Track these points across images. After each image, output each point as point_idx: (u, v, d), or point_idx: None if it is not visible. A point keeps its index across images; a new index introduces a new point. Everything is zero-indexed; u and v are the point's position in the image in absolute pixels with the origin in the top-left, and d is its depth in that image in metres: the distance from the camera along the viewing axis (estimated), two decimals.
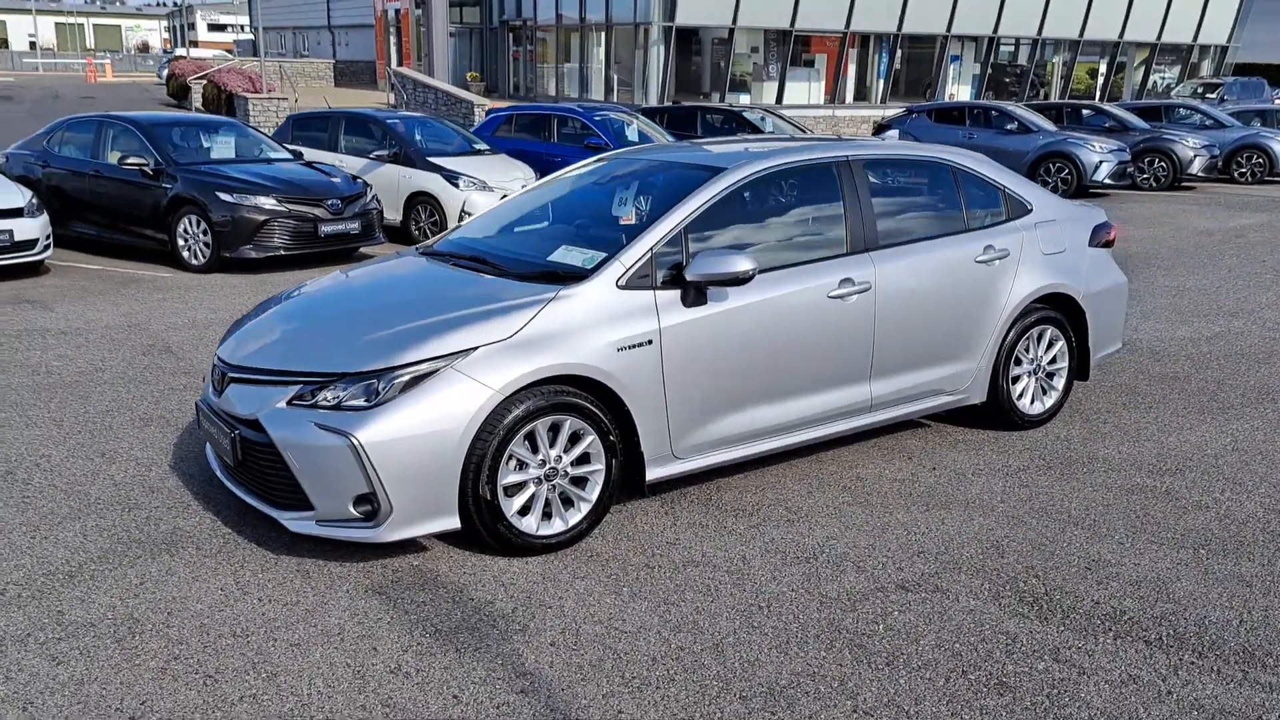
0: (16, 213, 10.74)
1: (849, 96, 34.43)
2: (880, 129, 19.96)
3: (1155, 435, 6.01)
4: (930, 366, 5.54)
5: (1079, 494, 5.13)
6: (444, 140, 14.14)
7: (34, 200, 11.11)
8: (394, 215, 13.30)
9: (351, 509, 4.10)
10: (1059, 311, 6.03)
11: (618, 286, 4.55)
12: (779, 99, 30.86)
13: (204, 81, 31.72)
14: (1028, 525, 4.77)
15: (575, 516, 4.51)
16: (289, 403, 4.20)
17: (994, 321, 5.69)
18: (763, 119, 17.21)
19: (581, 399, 4.39)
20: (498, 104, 22.74)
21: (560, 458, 4.42)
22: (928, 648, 3.74)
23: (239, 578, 4.21)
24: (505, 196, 12.33)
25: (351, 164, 13.59)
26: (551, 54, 32.94)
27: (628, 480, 4.72)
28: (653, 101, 27.72)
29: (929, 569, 4.34)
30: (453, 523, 4.20)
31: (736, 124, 16.55)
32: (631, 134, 15.43)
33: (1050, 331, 6.01)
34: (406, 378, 4.11)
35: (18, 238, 10.66)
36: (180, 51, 53.63)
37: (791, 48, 30.86)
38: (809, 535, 4.66)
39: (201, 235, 11.14)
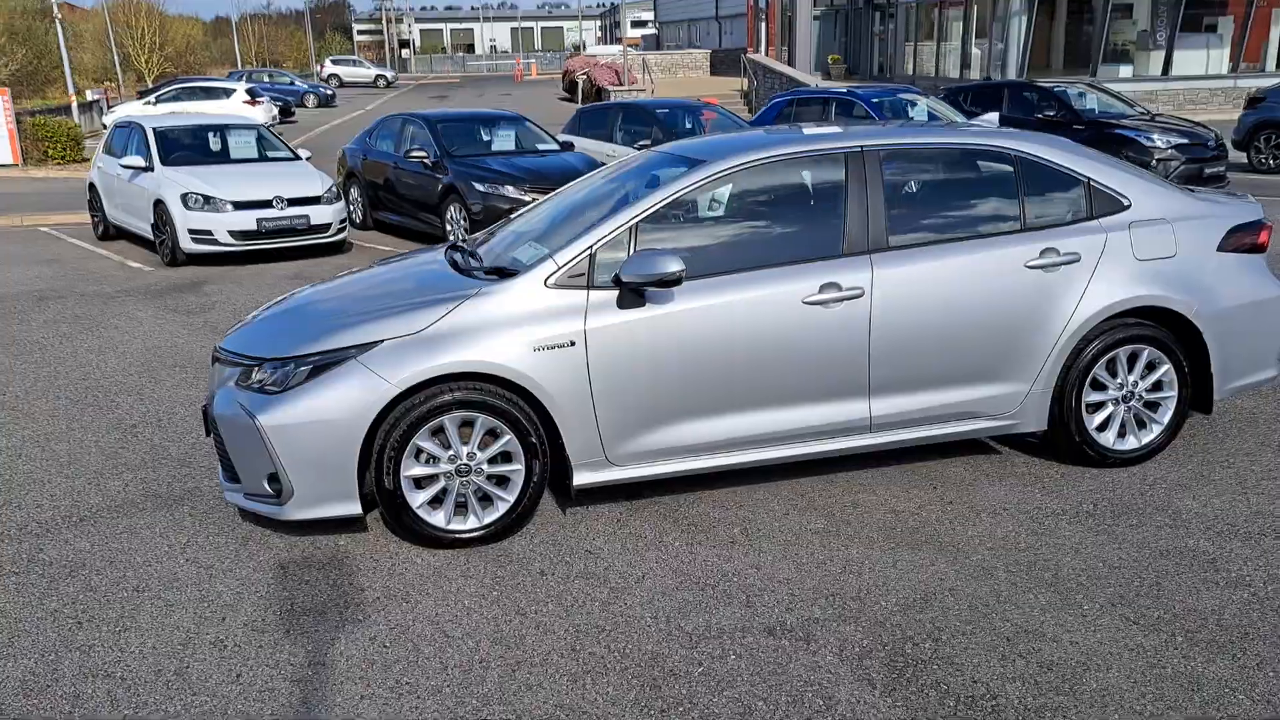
0: (315, 200, 12.26)
1: (1272, 63, 29.87)
2: (1254, 102, 17.24)
3: (1253, 489, 4.85)
4: (958, 386, 4.86)
5: (1093, 551, 4.30)
6: (698, 127, 14.17)
7: (333, 188, 12.62)
8: None
9: (266, 486, 4.39)
10: (1164, 329, 5.03)
11: (546, 286, 4.46)
12: (1165, 70, 27.49)
13: (584, 77, 33.94)
14: (987, 580, 4.10)
15: (492, 515, 4.50)
16: (235, 383, 4.57)
17: (1054, 337, 4.87)
18: (1081, 95, 15.50)
19: (497, 397, 4.37)
20: (832, 85, 22.32)
21: (474, 455, 4.43)
22: (724, 700, 3.38)
23: (188, 539, 4.66)
24: None
25: (623, 153, 14.03)
26: (911, 31, 31.67)
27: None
28: (1011, 76, 25.79)
29: (820, 615, 3.88)
30: (354, 509, 4.37)
31: (1054, 103, 15.03)
32: (918, 114, 14.62)
33: (1149, 353, 5.03)
34: (310, 366, 4.32)
35: (313, 221, 12.17)
36: (596, 49, 57.55)
37: (1183, 9, 27.26)
38: (734, 562, 4.32)
39: (463, 221, 12.06)
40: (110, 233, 13.82)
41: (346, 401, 4.24)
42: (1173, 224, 5.04)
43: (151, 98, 30.36)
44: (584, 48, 61.95)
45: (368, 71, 57.25)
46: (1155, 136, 13.77)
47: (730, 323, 4.53)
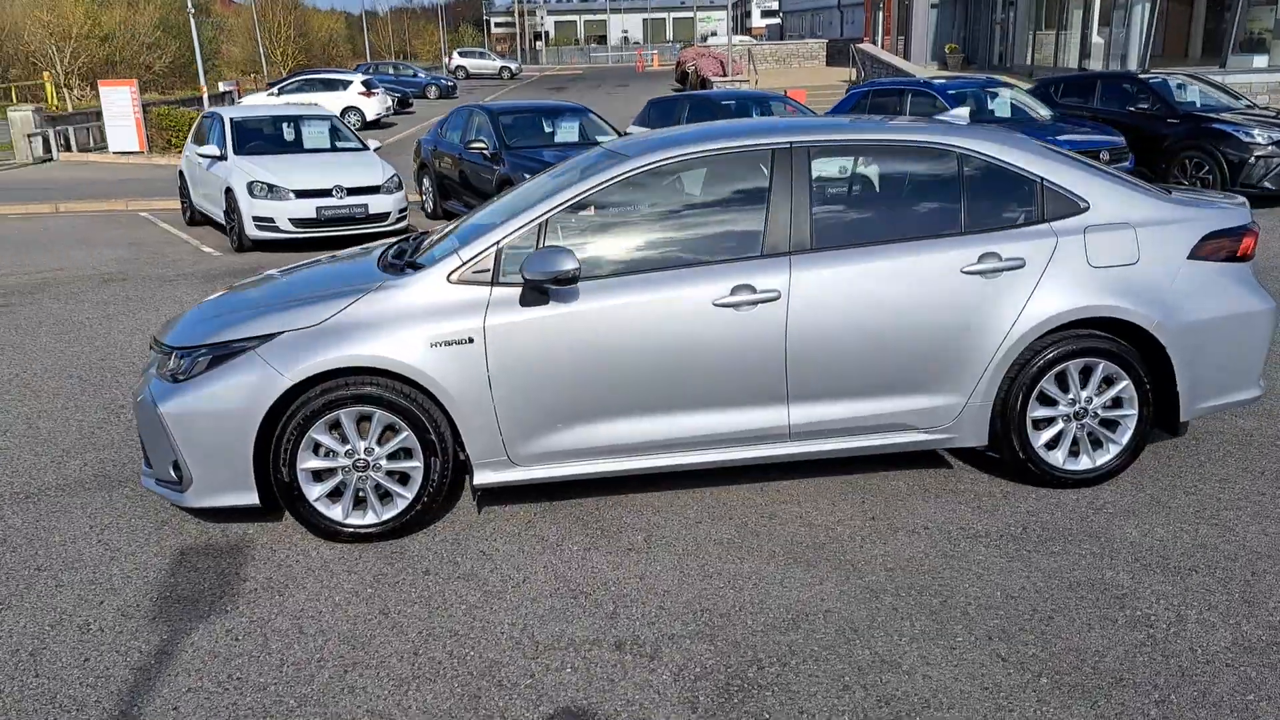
0: (374, 189, 12.52)
1: None
2: None
3: (1209, 519, 4.45)
4: (886, 396, 4.62)
5: (997, 578, 4.02)
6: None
7: (395, 178, 12.86)
8: None
9: (171, 472, 4.48)
10: (1123, 342, 4.67)
11: (449, 281, 4.42)
12: None
13: (691, 68, 33.79)
14: (870, 603, 3.88)
15: (390, 511, 4.49)
16: (156, 370, 4.67)
17: (993, 348, 4.58)
18: (1182, 87, 14.58)
19: (394, 393, 4.35)
20: (940, 76, 21.59)
21: (372, 450, 4.42)
22: (536, 715, 3.29)
23: (110, 522, 4.80)
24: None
25: None
26: (1032, 19, 30.38)
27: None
28: (1132, 67, 24.45)
29: (680, 631, 3.73)
30: (251, 499, 4.41)
31: (1148, 95, 14.18)
32: (1000, 107, 14.03)
33: (1104, 367, 4.68)
34: (210, 356, 4.38)
35: (372, 210, 12.43)
36: (718, 40, 57.20)
37: None
38: (622, 570, 4.21)
39: None
40: (196, 218, 14.40)
41: (241, 392, 4.28)
42: (1136, 229, 4.67)
43: (274, 89, 31.52)
44: (710, 38, 61.57)
45: (493, 64, 58.24)
46: (1255, 132, 12.88)
47: (636, 323, 4.40)
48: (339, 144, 13.71)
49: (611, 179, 4.57)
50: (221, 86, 33.89)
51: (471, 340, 4.34)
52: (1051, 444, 4.76)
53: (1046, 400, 4.71)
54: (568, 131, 13.63)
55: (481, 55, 60.75)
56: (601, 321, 4.39)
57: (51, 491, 5.14)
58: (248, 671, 3.55)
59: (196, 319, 4.74)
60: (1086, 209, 4.68)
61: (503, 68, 57.78)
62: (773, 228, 4.54)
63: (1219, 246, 4.74)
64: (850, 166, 4.91)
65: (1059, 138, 12.55)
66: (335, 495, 4.48)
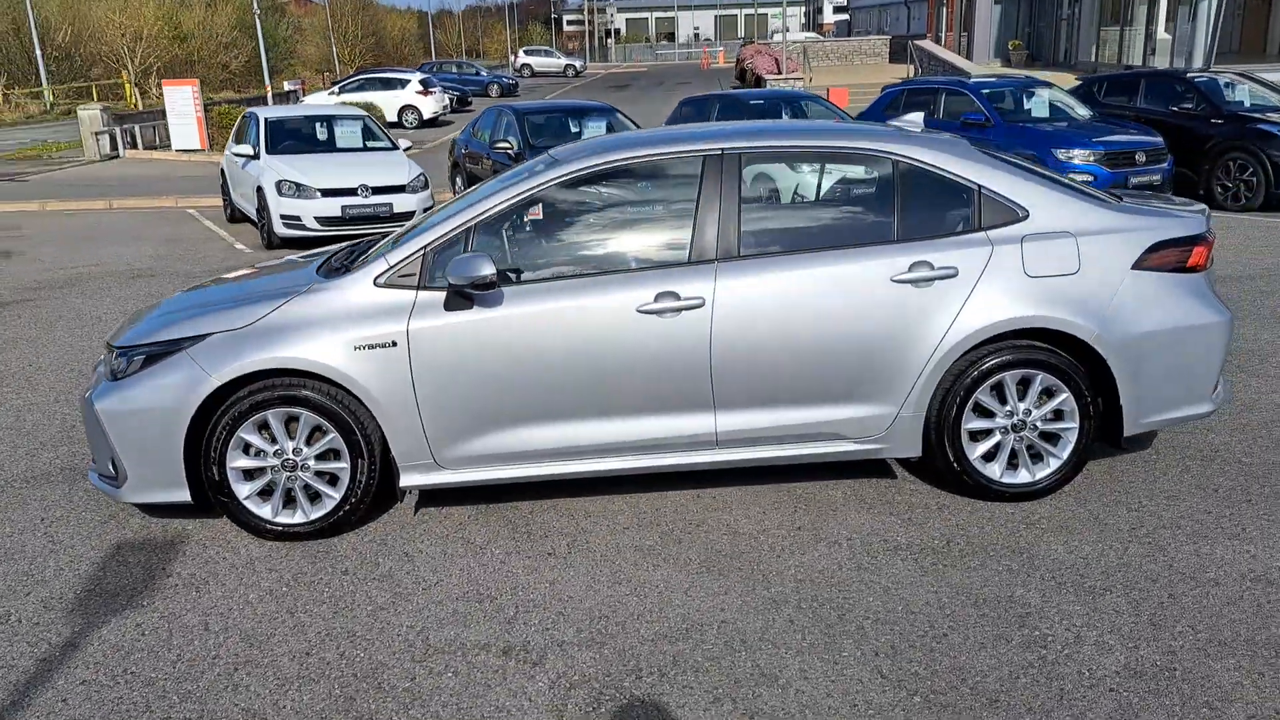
0: (399, 188, 12.70)
1: None
2: None
3: (1142, 538, 4.32)
4: (815, 405, 4.57)
5: (904, 592, 3.96)
6: (804, 119, 13.77)
7: (420, 177, 13.03)
8: None
9: (110, 468, 4.61)
10: (1064, 354, 4.56)
11: (375, 285, 4.48)
12: None
13: (749, 65, 33.63)
14: (768, 615, 3.85)
15: (319, 511, 4.57)
16: (104, 368, 4.81)
17: (924, 358, 4.50)
18: (1230, 86, 14.11)
19: (321, 394, 4.43)
20: (990, 74, 21.18)
21: (300, 450, 4.51)
22: (403, 719, 3.32)
23: (61, 514, 4.96)
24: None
25: None
26: (1098, 15, 29.62)
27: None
28: (1198, 65, 23.72)
29: (572, 639, 3.75)
30: (183, 496, 4.52)
31: (1193, 94, 13.74)
32: (1037, 107, 13.74)
33: (1043, 379, 4.57)
34: (144, 355, 4.50)
35: (396, 209, 12.61)
36: (796, 35, 56.77)
37: None
38: (536, 574, 4.23)
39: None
40: (236, 216, 14.74)
41: (171, 392, 4.39)
42: (1077, 238, 4.55)
43: (335, 88, 32.10)
44: (776, 35, 61.11)
45: (558, 62, 58.58)
46: None
47: (560, 329, 4.42)
48: (370, 144, 13.91)
49: (544, 184, 4.59)
50: (287, 86, 34.59)
51: (394, 344, 4.39)
52: (990, 456, 4.66)
53: (983, 412, 4.62)
54: (594, 131, 13.66)
55: (547, 53, 61.16)
56: (525, 326, 4.41)
57: (17, 483, 5.31)
58: (143, 666, 3.64)
59: (146, 319, 4.87)
60: (1025, 217, 4.57)
61: (567, 65, 58.10)
62: (700, 235, 4.52)
63: (1167, 257, 4.60)
64: (784, 173, 4.86)
65: (1094, 138, 12.27)
66: (267, 494, 4.56)
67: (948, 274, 4.48)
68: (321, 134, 13.96)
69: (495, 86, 43.39)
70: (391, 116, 29.93)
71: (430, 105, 31.08)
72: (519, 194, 4.57)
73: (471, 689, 3.45)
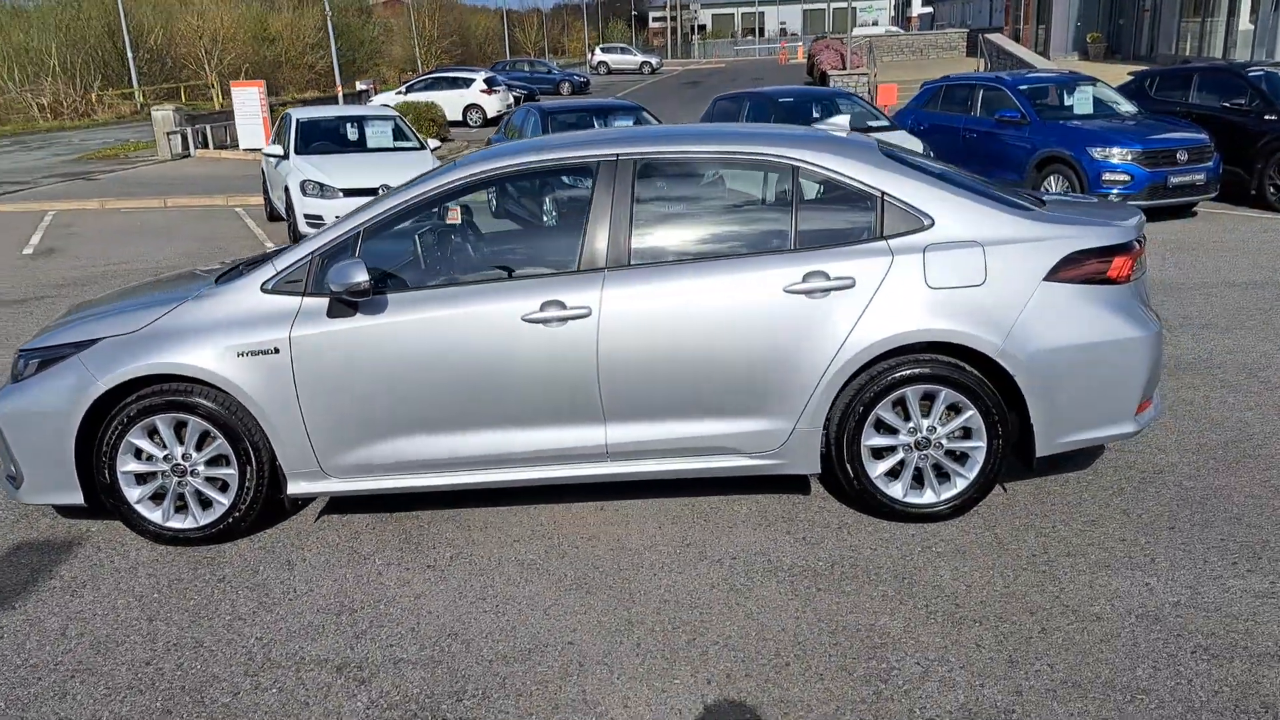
0: None
1: None
2: None
3: (1038, 566, 4.07)
4: (707, 418, 4.42)
5: (762, 618, 3.80)
6: (832, 116, 13.47)
7: None
8: None
9: (12, 469, 4.69)
10: (971, 369, 4.34)
11: (262, 291, 4.47)
12: None
13: (817, 60, 33.17)
14: (611, 638, 3.73)
15: (210, 516, 4.58)
16: None
17: (819, 371, 4.32)
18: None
19: (209, 399, 4.43)
20: (1058, 67, 20.50)
21: (190, 455, 4.52)
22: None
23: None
24: None
25: None
26: (1181, 7, 28.44)
27: None
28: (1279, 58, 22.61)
29: (413, 656, 3.68)
30: (76, 499, 4.57)
31: (1248, 90, 13.06)
32: (1079, 104, 13.23)
33: (947, 395, 4.36)
34: (39, 359, 4.55)
35: None
36: (874, 30, 55.92)
37: None
38: (407, 588, 4.18)
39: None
40: (275, 215, 15.01)
41: (61, 396, 4.43)
42: (985, 247, 4.32)
43: (402, 87, 32.57)
44: (857, 29, 60.15)
45: (634, 59, 58.60)
46: None
47: (444, 337, 4.35)
48: (400, 144, 14.03)
49: (439, 189, 4.52)
50: (359, 85, 35.20)
51: (277, 350, 4.37)
52: (894, 474, 4.46)
53: (887, 428, 4.41)
54: (624, 124, 13.56)
55: (623, 51, 61.25)
56: (409, 334, 4.35)
57: None
58: None
59: (57, 323, 4.93)
60: (930, 226, 4.35)
61: (643, 63, 58.07)
62: (591, 242, 4.40)
63: (1083, 268, 4.33)
64: (683, 180, 4.70)
65: (1133, 136, 11.79)
66: (159, 498, 4.58)
67: (844, 284, 4.28)
68: (352, 134, 14.12)
69: (566, 84, 43.58)
70: (455, 115, 30.22)
71: (494, 104, 31.31)
72: (410, 199, 4.51)
73: (288, 707, 3.40)
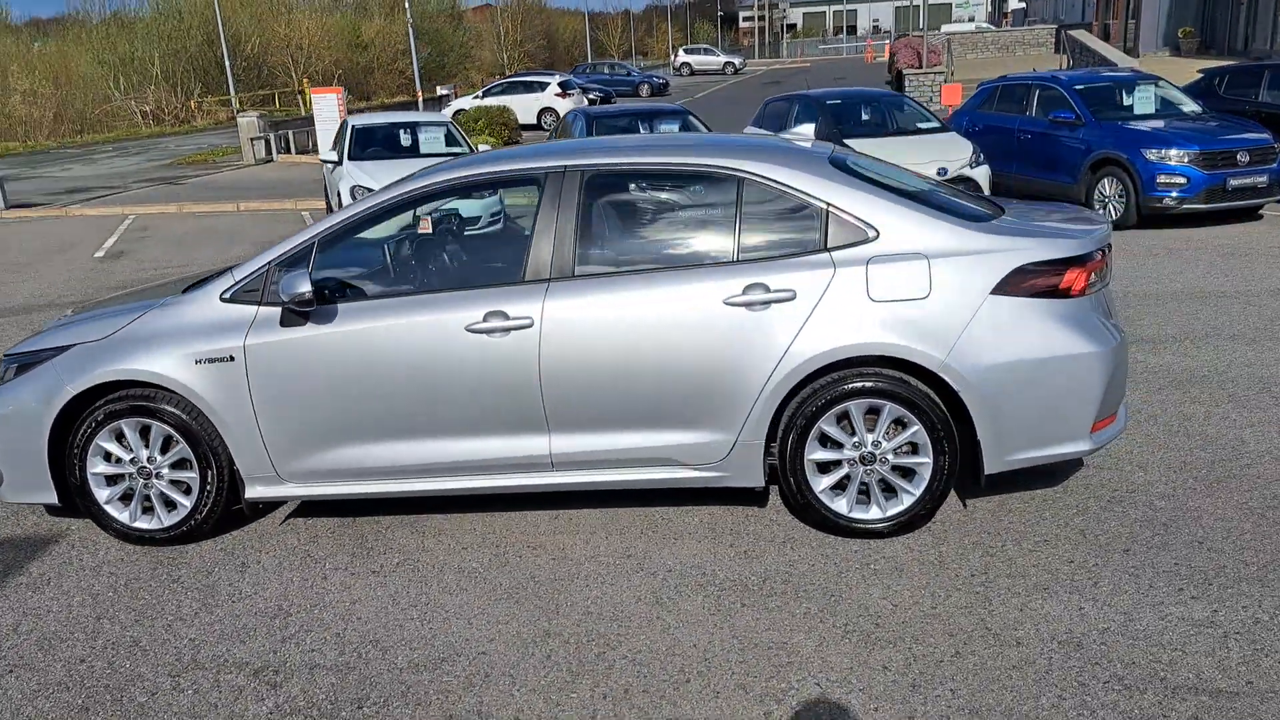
0: None
1: None
2: None
3: (974, 588, 3.96)
4: (648, 429, 4.42)
5: (663, 633, 3.78)
6: (885, 119, 13.27)
7: None
8: None
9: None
10: (916, 383, 4.25)
11: (221, 300, 4.60)
12: None
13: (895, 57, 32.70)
14: (531, 645, 3.75)
15: (173, 518, 4.73)
16: None
17: (759, 384, 4.28)
18: None
19: (172, 405, 4.58)
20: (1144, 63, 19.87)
21: (155, 458, 4.68)
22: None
23: None
24: None
25: None
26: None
27: None
28: None
29: (328, 662, 3.76)
30: (51, 498, 4.76)
31: None
32: (1140, 103, 12.81)
33: (891, 410, 4.28)
34: (18, 364, 4.77)
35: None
36: (968, 27, 54.80)
37: None
38: (333, 595, 4.26)
39: None
40: None
41: (36, 399, 4.63)
42: (930, 260, 4.23)
43: (479, 92, 33.05)
44: (946, 26, 59.01)
45: (716, 60, 58.46)
46: None
47: (391, 346, 4.42)
48: (451, 149, 14.24)
49: (394, 199, 4.60)
50: (440, 90, 35.83)
51: (232, 358, 4.49)
52: (839, 489, 4.40)
53: (832, 443, 4.35)
54: (670, 127, 13.56)
55: (707, 51, 61.15)
56: (357, 343, 4.43)
57: None
58: None
59: (44, 329, 5.14)
60: (875, 238, 4.28)
61: (726, 63, 57.90)
62: (536, 253, 4.43)
63: (1034, 280, 4.21)
64: (630, 190, 4.70)
65: (1190, 137, 11.38)
66: (127, 499, 4.75)
67: (784, 297, 4.24)
68: (405, 140, 14.37)
69: (645, 86, 43.69)
70: (530, 119, 30.55)
71: (567, 107, 31.48)
72: (365, 209, 4.60)
73: (197, 709, 3.50)
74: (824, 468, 4.39)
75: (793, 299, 4.23)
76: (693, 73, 57.46)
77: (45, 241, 15.39)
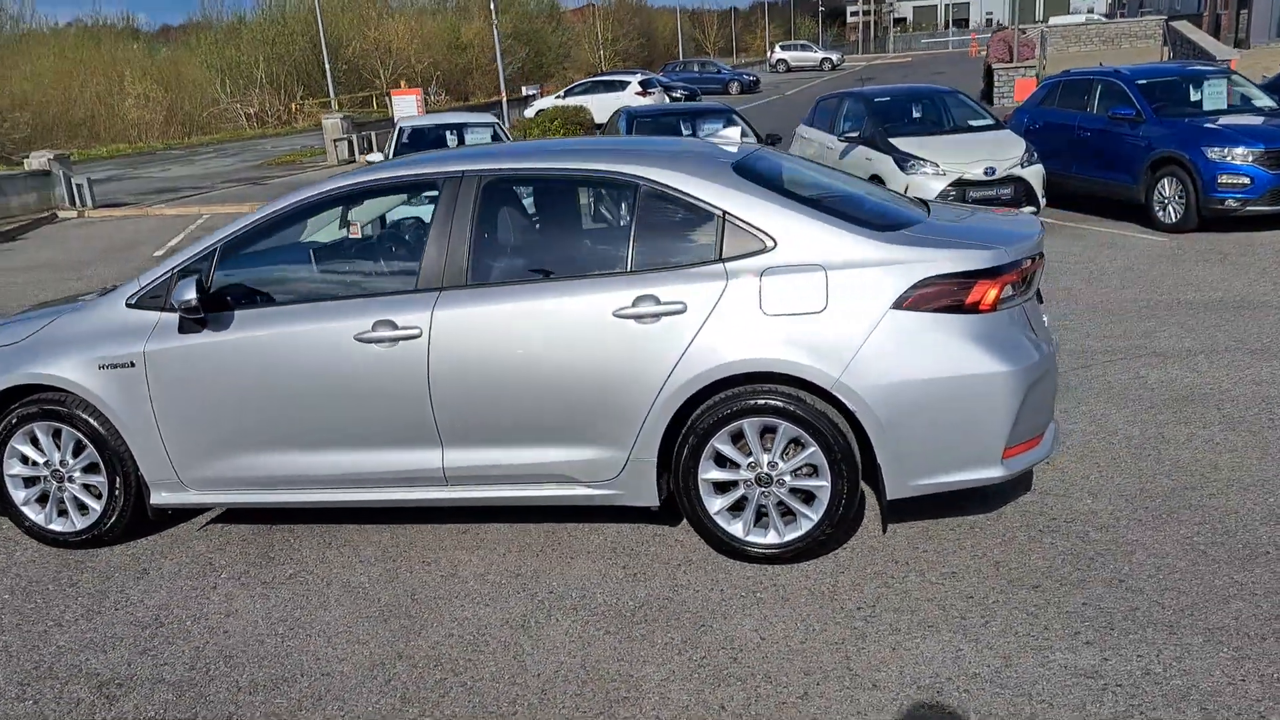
0: None
1: None
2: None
3: (848, 622, 3.69)
4: (541, 445, 4.26)
5: (516, 659, 3.62)
6: (937, 116, 12.80)
7: None
8: None
9: None
10: (814, 402, 4.00)
11: (127, 305, 4.60)
12: None
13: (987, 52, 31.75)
14: (375, 669, 3.63)
15: (85, 522, 4.76)
16: None
17: (649, 399, 4.09)
18: None
19: (81, 409, 4.60)
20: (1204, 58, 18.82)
21: (66, 462, 4.72)
22: None
23: None
24: (960, 180, 11.08)
25: (836, 147, 13.09)
26: None
27: None
28: None
29: (176, 677, 3.70)
30: None
31: None
32: (1209, 98, 12.09)
33: (786, 429, 4.04)
34: None
35: None
36: (1090, 19, 52.88)
37: None
38: (226, 605, 4.21)
39: None
40: None
41: None
42: (828, 271, 3.96)
43: (561, 92, 33.19)
44: (1067, 16, 56.99)
45: (814, 55, 57.67)
46: None
47: (281, 355, 4.36)
48: None
49: (295, 205, 4.54)
50: (524, 90, 36.12)
51: (133, 364, 4.49)
52: (736, 511, 4.17)
53: (729, 463, 4.13)
54: (706, 133, 13.35)
55: (804, 47, 60.41)
56: (250, 351, 4.38)
57: None
58: None
59: None
60: (772, 248, 4.03)
61: (824, 59, 57.08)
62: (429, 261, 4.31)
63: (938, 294, 3.91)
64: (529, 198, 4.55)
65: (1257, 135, 10.71)
66: (44, 501, 4.79)
67: (675, 309, 4.03)
68: (452, 140, 14.46)
69: (735, 84, 43.35)
70: (606, 118, 30.50)
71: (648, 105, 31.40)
72: (266, 216, 4.55)
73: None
74: (721, 488, 4.16)
75: (683, 311, 4.01)
76: (789, 69, 56.79)
77: (112, 240, 15.92)
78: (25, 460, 4.72)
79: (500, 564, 4.34)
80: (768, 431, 4.05)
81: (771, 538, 4.13)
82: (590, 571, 4.21)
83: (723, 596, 3.94)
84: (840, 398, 3.91)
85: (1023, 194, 11.48)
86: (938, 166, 11.43)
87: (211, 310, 4.40)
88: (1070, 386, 6.02)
